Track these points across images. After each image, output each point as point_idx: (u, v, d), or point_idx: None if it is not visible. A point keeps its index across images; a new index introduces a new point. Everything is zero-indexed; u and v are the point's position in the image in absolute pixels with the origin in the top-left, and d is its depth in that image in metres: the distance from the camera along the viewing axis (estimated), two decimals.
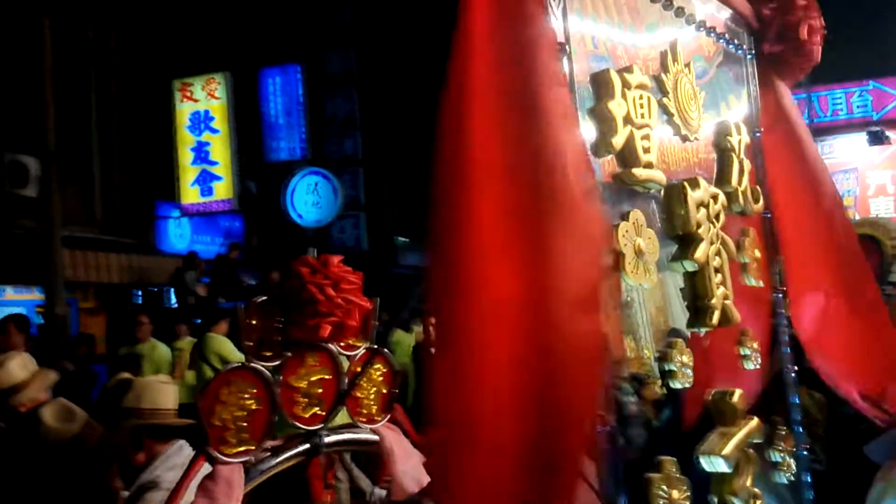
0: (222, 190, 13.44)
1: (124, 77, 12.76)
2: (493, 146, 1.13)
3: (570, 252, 1.11)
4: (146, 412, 2.11)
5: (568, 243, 1.11)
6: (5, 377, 2.62)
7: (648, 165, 1.37)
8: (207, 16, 15.40)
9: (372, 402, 1.70)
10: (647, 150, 1.35)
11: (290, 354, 1.51)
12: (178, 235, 14.21)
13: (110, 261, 10.52)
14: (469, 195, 1.12)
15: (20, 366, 2.70)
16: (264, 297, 1.48)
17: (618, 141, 1.33)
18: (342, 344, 1.63)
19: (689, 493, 1.43)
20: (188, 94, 13.63)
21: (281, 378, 1.48)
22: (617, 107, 1.33)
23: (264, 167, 17.25)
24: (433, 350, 1.22)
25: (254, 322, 1.46)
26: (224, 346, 6.47)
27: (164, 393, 2.21)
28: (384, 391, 1.73)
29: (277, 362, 1.49)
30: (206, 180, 13.51)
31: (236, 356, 6.33)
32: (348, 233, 19.77)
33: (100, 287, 11.50)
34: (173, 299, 12.76)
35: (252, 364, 1.43)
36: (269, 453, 1.44)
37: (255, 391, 1.42)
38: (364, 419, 1.67)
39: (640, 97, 1.36)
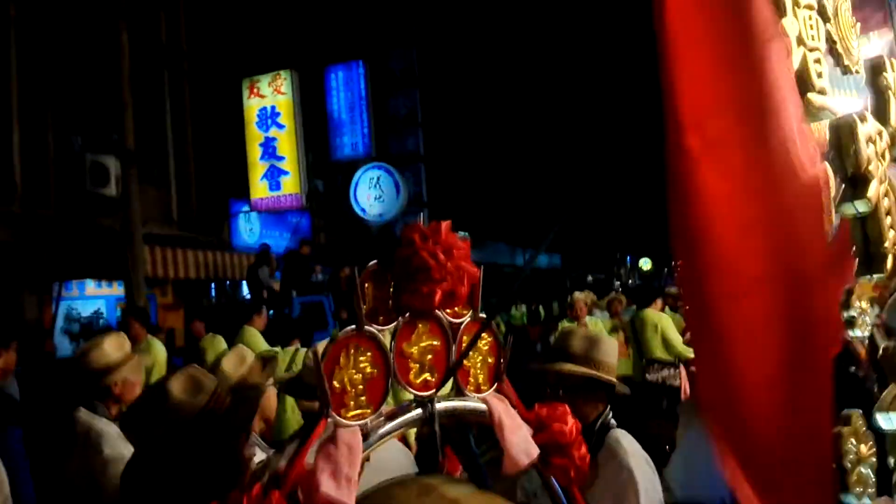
0: (290, 185, 13.75)
1: (196, 78, 13.18)
2: (724, 121, 1.12)
3: (808, 227, 1.10)
4: None
5: (805, 218, 1.10)
6: (101, 356, 2.63)
7: (822, 92, 1.29)
8: (275, 16, 15.76)
9: (479, 372, 1.67)
10: (819, 75, 1.28)
11: (401, 321, 1.50)
12: (248, 230, 14.61)
13: (187, 257, 10.87)
14: (702, 178, 1.11)
15: (115, 346, 2.70)
16: (376, 263, 1.47)
17: (793, 62, 1.25)
18: (449, 311, 1.61)
19: (875, 449, 1.35)
20: (256, 90, 14.00)
21: (394, 344, 1.47)
22: (790, 25, 1.26)
23: (329, 165, 17.57)
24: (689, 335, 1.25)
25: (367, 287, 1.45)
26: (253, 339, 6.49)
27: None
28: (490, 361, 1.70)
29: (390, 327, 1.48)
30: (273, 175, 13.85)
31: (264, 349, 6.41)
32: None
33: (177, 283, 11.92)
34: (246, 293, 13.13)
35: (367, 328, 1.42)
36: (384, 419, 1.43)
37: (370, 355, 1.41)
38: (472, 388, 1.65)
39: (809, 17, 1.28)
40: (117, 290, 11.07)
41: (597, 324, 8.10)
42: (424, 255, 1.45)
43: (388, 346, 1.45)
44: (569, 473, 1.73)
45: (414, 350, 1.51)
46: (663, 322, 6.36)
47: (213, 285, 13.35)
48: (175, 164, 12.22)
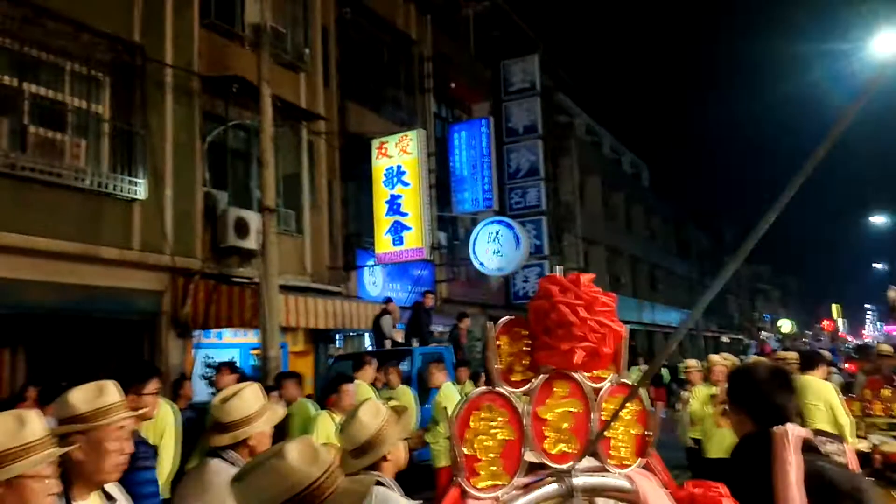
0: (413, 239, 14.02)
1: (332, 140, 13.93)
2: None
3: None
4: None
5: None
6: (242, 407, 2.59)
7: None
8: (406, 73, 16.54)
9: (622, 444, 1.50)
10: None
11: (536, 381, 1.37)
12: (372, 283, 15.01)
13: (318, 307, 11.26)
14: None
15: (255, 396, 2.66)
16: (512, 317, 1.36)
17: None
18: (589, 374, 1.46)
19: None
20: (384, 151, 14.55)
21: (529, 407, 1.34)
22: None
23: (451, 219, 17.86)
24: None
25: (500, 344, 1.34)
26: (365, 394, 6.35)
27: None
28: (635, 432, 1.53)
29: (525, 389, 1.35)
30: (398, 230, 14.20)
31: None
32: (532, 282, 19.73)
33: (307, 331, 12.35)
34: (367, 343, 13.40)
35: (500, 389, 1.30)
36: (519, 492, 1.30)
37: (504, 419, 1.29)
38: (615, 462, 1.47)
39: None
40: (252, 338, 11.61)
41: None
42: (563, 309, 1.33)
43: (523, 409, 1.33)
44: None
45: (550, 416, 1.38)
46: (828, 391, 5.66)
47: (338, 334, 13.73)
48: (310, 219, 12.85)
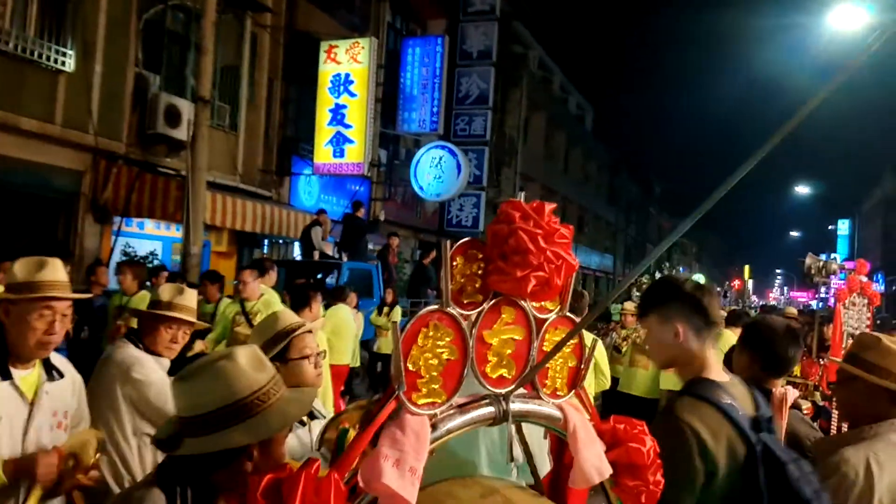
0: (354, 153, 13.70)
1: (277, 35, 13.23)
2: None
3: None
4: None
5: None
6: (186, 302, 2.79)
7: None
8: None
9: (557, 375, 1.52)
10: None
11: (486, 306, 1.35)
12: (306, 192, 14.70)
13: (246, 209, 10.95)
14: None
15: (193, 297, 2.85)
16: (470, 239, 1.32)
17: None
18: (536, 304, 1.46)
19: None
20: (333, 56, 13.95)
21: (475, 330, 1.33)
22: None
23: (393, 137, 17.54)
24: None
25: (455, 264, 1.31)
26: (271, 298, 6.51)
27: None
28: (571, 364, 1.55)
29: (474, 312, 1.33)
30: (339, 142, 13.83)
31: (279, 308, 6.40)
32: (466, 211, 19.79)
33: (233, 233, 12.06)
34: (297, 252, 13.24)
35: (450, 309, 1.28)
36: (454, 411, 1.30)
37: (450, 339, 1.28)
38: (548, 391, 1.50)
39: None
40: (175, 232, 11.25)
41: None
42: (523, 236, 1.30)
43: (469, 331, 1.32)
44: (639, 498, 1.57)
45: (494, 340, 1.37)
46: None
47: (265, 240, 13.49)
48: (246, 116, 12.31)
